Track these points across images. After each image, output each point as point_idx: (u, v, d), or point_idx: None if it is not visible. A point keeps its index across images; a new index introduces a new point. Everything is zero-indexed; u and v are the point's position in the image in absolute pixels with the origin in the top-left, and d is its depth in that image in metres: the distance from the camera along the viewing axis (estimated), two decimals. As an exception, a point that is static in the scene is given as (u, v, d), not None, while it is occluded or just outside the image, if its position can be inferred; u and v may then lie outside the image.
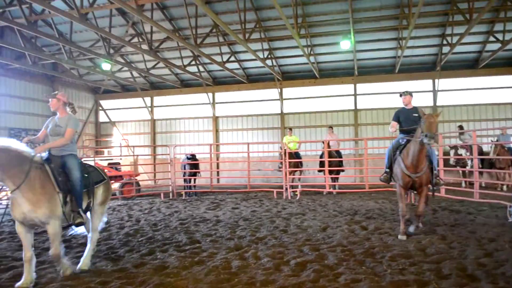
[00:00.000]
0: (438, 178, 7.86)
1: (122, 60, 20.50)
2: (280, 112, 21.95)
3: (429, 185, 7.54)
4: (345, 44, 16.91)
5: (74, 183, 5.56)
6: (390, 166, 7.74)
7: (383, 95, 20.32)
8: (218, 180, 20.99)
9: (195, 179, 16.94)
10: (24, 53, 17.22)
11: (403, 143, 7.50)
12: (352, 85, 20.89)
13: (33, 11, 14.74)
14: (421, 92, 19.33)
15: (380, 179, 8.11)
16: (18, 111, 19.72)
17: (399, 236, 7.06)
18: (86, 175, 5.89)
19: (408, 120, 7.69)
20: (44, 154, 5.63)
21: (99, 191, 6.18)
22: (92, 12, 15.11)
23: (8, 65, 18.41)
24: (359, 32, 17.14)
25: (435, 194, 8.27)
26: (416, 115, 7.45)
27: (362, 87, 20.84)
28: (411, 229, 7.30)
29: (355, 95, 20.85)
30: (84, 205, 5.75)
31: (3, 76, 18.86)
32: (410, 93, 8.01)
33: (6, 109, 19.04)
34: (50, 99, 6.05)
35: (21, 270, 5.61)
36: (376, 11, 16.14)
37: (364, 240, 7.01)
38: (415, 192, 7.85)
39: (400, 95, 8.08)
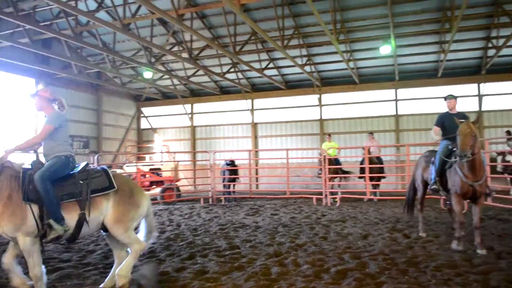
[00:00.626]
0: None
1: (163, 68, 20.96)
2: (319, 118, 21.80)
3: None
4: (385, 49, 16.64)
5: (39, 189, 4.60)
6: (440, 175, 7.25)
7: (425, 100, 19.81)
8: (257, 186, 21.04)
9: (234, 185, 17.05)
10: (70, 62, 17.89)
11: (453, 149, 6.98)
12: (393, 90, 20.50)
13: (79, 22, 15.31)
14: (465, 97, 18.74)
15: (431, 189, 7.69)
16: (65, 118, 20.44)
17: (453, 246, 6.64)
18: (72, 181, 4.89)
19: (453, 126, 7.20)
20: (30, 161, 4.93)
21: (105, 203, 4.93)
22: (134, 22, 15.55)
23: (55, 75, 19.19)
24: (400, 36, 16.82)
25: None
26: (463, 120, 6.99)
27: (403, 92, 20.41)
28: (454, 246, 6.73)
29: (396, 100, 20.45)
30: (71, 218, 4.75)
31: (51, 85, 19.63)
32: (455, 97, 7.67)
33: (54, 117, 19.76)
34: (34, 99, 5.26)
35: (68, 271, 5.81)
36: (417, 15, 15.79)
37: (406, 249, 6.83)
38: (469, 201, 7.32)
39: (445, 99, 7.72)
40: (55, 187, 4.73)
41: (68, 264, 6.31)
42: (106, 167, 5.22)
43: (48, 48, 17.71)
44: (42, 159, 5.11)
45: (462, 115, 7.24)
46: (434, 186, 7.43)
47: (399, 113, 20.37)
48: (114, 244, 5.33)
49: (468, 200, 7.25)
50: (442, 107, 7.88)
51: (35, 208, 4.61)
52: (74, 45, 17.84)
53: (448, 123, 7.45)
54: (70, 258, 6.77)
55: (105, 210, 4.93)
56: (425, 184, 7.89)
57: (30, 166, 4.85)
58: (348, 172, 16.15)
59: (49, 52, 16.48)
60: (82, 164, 5.18)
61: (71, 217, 4.75)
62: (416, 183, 8.25)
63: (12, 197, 4.57)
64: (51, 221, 4.61)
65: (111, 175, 5.08)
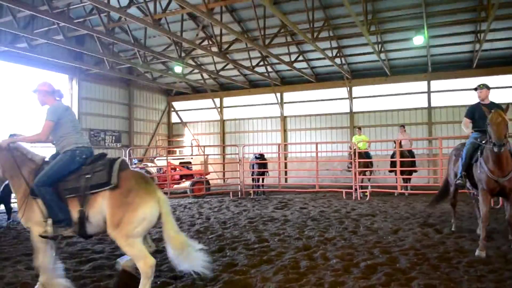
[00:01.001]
0: None
1: (193, 63, 21.13)
2: (349, 111, 21.55)
3: None
4: (418, 39, 16.25)
5: (36, 193, 4.50)
6: (467, 169, 6.94)
7: (460, 92, 19.27)
8: (286, 180, 21.00)
9: (263, 179, 17.07)
10: (103, 58, 18.25)
11: (482, 142, 6.59)
12: (426, 82, 20.04)
13: (111, 19, 15.57)
14: (502, 88, 18.16)
15: (456, 183, 7.45)
16: (98, 113, 20.95)
17: (477, 253, 5.99)
18: (78, 174, 4.61)
19: (484, 117, 6.62)
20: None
21: (100, 202, 4.44)
22: (165, 17, 15.69)
23: (88, 70, 19.63)
24: (433, 26, 16.38)
25: None
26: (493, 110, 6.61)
27: (436, 84, 19.93)
28: (478, 253, 6.02)
29: (428, 92, 19.99)
30: (74, 214, 4.48)
31: (84, 81, 20.13)
32: (487, 87, 7.13)
33: (87, 111, 20.30)
34: (35, 94, 5.20)
35: (100, 262, 5.97)
36: (451, 4, 15.32)
37: (438, 244, 6.70)
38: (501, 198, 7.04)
39: (475, 89, 7.23)
40: (60, 184, 4.57)
41: (101, 255, 6.47)
42: (121, 158, 4.79)
43: (82, 44, 18.12)
44: None
45: (495, 106, 6.75)
46: (459, 181, 7.11)
47: (432, 105, 19.91)
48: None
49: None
50: (477, 99, 7.53)
51: (41, 204, 4.52)
52: (106, 41, 18.18)
53: (478, 115, 6.98)
54: (103, 249, 6.94)
55: (103, 210, 4.41)
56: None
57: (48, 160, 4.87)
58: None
59: (83, 48, 16.87)
60: (96, 155, 4.89)
61: (74, 213, 4.47)
62: (449, 177, 8.05)
63: (26, 189, 4.59)
64: (49, 221, 4.47)
65: (114, 169, 4.48)
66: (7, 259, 6.38)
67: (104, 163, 4.63)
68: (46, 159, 4.89)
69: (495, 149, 5.94)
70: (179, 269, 4.69)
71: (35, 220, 4.55)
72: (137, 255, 4.31)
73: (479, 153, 6.60)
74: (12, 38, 15.66)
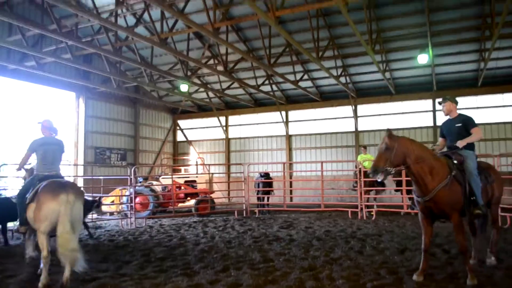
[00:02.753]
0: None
1: (198, 81, 21.28)
2: (354, 129, 21.54)
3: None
4: (423, 58, 16.29)
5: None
6: None
7: (466, 111, 19.07)
8: (291, 199, 20.91)
9: (268, 198, 16.98)
10: (110, 77, 18.43)
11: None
12: (431, 101, 20.04)
13: (118, 38, 15.76)
14: (508, 107, 18.13)
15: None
16: (104, 131, 21.06)
17: (414, 277, 5.74)
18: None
19: (451, 133, 6.37)
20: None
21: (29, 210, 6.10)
22: (171, 36, 15.86)
23: (95, 89, 19.82)
24: (438, 45, 16.45)
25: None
26: (460, 124, 6.22)
27: (441, 103, 19.93)
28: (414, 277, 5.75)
29: (434, 111, 19.96)
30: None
31: (90, 99, 20.29)
32: (451, 99, 6.52)
33: (93, 130, 20.40)
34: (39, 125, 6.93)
35: (104, 281, 5.90)
36: (455, 23, 15.41)
37: (446, 265, 6.60)
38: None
39: (440, 103, 6.63)
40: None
41: (105, 274, 6.42)
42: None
43: (89, 63, 18.34)
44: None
45: (461, 119, 6.36)
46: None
47: (437, 124, 19.85)
48: None
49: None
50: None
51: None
52: (113, 60, 18.39)
53: (446, 131, 6.56)
54: (107, 268, 6.88)
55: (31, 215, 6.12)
56: None
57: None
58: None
59: (90, 67, 17.05)
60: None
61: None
62: None
63: None
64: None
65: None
66: (11, 277, 6.34)
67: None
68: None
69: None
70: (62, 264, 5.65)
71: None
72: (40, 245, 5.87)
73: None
74: (21, 56, 15.88)
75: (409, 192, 14.39)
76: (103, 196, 13.46)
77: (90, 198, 11.80)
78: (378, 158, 5.75)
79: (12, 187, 13.17)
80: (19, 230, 6.50)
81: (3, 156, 15.83)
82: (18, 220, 6.42)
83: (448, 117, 6.60)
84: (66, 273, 5.58)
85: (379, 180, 5.75)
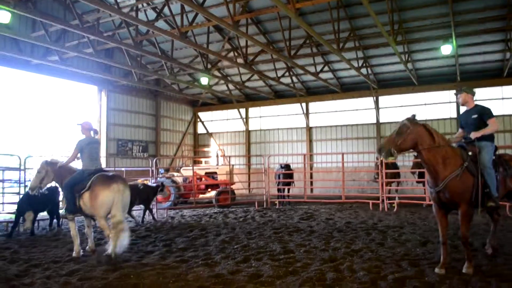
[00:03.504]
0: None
1: (218, 74, 21.34)
2: (375, 121, 21.33)
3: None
4: (446, 49, 16.01)
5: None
6: None
7: (490, 101, 18.81)
8: (311, 190, 20.86)
9: (289, 189, 16.99)
10: (131, 70, 18.64)
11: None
12: (454, 91, 19.65)
13: (139, 32, 15.91)
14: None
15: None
16: (125, 123, 21.34)
17: (436, 270, 5.70)
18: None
19: (467, 124, 6.30)
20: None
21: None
22: (192, 30, 15.93)
23: (117, 82, 20.08)
24: (462, 35, 16.14)
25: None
26: (476, 116, 6.14)
27: (465, 94, 19.55)
28: (436, 269, 5.70)
29: (457, 101, 19.57)
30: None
31: (112, 92, 20.57)
32: (467, 90, 6.49)
33: (115, 122, 20.70)
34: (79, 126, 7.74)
35: (127, 271, 6.01)
36: (479, 13, 15.08)
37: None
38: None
39: (455, 94, 6.66)
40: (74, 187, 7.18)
41: (127, 264, 6.54)
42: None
43: (110, 57, 18.58)
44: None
45: (477, 110, 6.27)
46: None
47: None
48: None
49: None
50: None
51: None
52: (134, 53, 18.56)
53: (464, 122, 6.48)
54: (130, 258, 7.01)
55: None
56: None
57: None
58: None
59: (111, 61, 17.27)
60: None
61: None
62: None
63: None
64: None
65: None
66: (37, 266, 6.52)
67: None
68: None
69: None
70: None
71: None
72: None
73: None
74: (44, 51, 16.18)
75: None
76: (164, 182, 13.99)
77: (154, 184, 13.20)
78: (388, 139, 5.84)
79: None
80: (67, 217, 7.46)
81: (28, 148, 16.20)
82: (65, 208, 7.41)
83: (466, 108, 6.54)
84: (113, 248, 6.57)
85: (381, 158, 5.78)
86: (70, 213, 7.31)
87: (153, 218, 12.32)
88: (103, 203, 6.83)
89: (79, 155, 7.51)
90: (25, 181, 11.47)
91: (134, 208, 12.36)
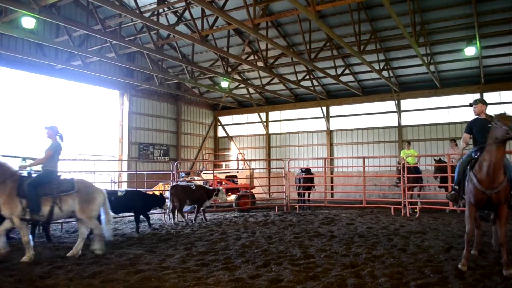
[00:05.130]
0: None
1: (239, 78, 21.41)
2: (397, 124, 21.07)
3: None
4: (470, 50, 15.73)
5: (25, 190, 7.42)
6: (460, 183, 6.74)
7: (516, 105, 18.46)
8: (332, 195, 20.70)
9: (309, 193, 16.89)
10: (152, 74, 18.84)
11: (475, 156, 6.49)
12: (478, 95, 19.28)
13: (160, 36, 16.07)
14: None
15: (447, 197, 7.20)
16: (147, 127, 21.56)
17: (459, 266, 6.03)
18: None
19: (483, 131, 6.63)
20: None
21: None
22: (212, 34, 16.02)
23: (138, 86, 20.32)
24: (486, 36, 15.84)
25: None
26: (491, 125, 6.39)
27: (490, 96, 19.09)
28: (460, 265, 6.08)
29: (474, 111, 19.11)
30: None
31: (134, 96, 20.81)
32: (482, 102, 7.15)
33: (137, 126, 20.93)
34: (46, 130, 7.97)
35: (148, 274, 6.05)
36: (505, 13, 14.76)
37: (494, 264, 6.35)
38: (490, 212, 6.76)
39: (471, 105, 7.23)
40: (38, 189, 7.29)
41: (148, 267, 6.58)
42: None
43: (132, 61, 18.83)
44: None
45: (492, 119, 6.43)
46: (450, 194, 7.05)
47: (485, 118, 19.08)
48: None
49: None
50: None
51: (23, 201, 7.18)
52: (155, 57, 18.76)
53: (476, 129, 6.90)
54: (151, 260, 7.06)
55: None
56: None
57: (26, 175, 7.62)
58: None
59: (133, 65, 17.49)
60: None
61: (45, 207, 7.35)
62: None
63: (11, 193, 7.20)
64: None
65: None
66: (60, 267, 6.61)
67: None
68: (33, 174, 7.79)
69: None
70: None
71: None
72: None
73: (468, 166, 6.48)
74: (68, 56, 16.49)
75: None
76: (222, 186, 14.25)
77: (211, 187, 13.53)
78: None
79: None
80: (17, 224, 7.32)
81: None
82: (30, 210, 7.24)
83: (478, 117, 7.10)
84: (101, 242, 7.68)
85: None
86: (35, 214, 7.23)
87: (204, 218, 12.94)
88: (99, 204, 7.76)
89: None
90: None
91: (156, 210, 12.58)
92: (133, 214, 11.16)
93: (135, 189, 12.61)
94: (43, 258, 7.39)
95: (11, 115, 17.13)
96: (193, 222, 12.42)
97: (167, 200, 12.32)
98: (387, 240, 8.74)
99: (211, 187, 13.75)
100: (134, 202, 11.00)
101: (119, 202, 10.52)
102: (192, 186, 13.00)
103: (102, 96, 20.06)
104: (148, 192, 12.47)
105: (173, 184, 13.25)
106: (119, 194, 10.82)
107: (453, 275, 5.74)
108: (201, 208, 13.04)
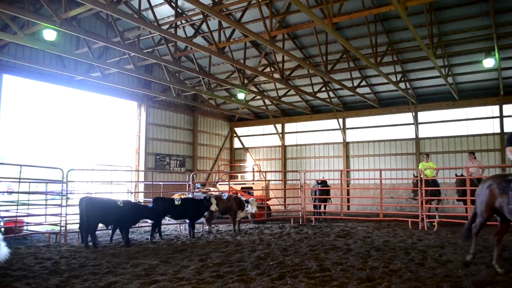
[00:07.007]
0: None
1: (255, 89, 21.48)
2: (414, 136, 20.86)
3: None
4: (489, 62, 15.54)
5: None
6: None
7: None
8: (348, 207, 20.52)
9: (325, 206, 16.78)
10: (169, 86, 19.02)
11: None
12: (497, 106, 19.02)
13: (178, 48, 16.25)
14: None
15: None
16: (163, 138, 21.72)
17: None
18: None
19: None
20: None
21: None
22: (229, 46, 16.14)
23: (156, 97, 20.53)
24: (505, 48, 15.64)
25: None
26: None
27: (510, 108, 18.84)
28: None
29: (501, 117, 18.91)
30: None
31: (151, 107, 21.02)
32: None
33: (154, 137, 21.11)
34: None
35: (163, 284, 6.05)
36: (524, 24, 14.61)
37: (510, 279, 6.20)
38: None
39: (511, 116, 7.27)
40: None
41: (164, 278, 6.59)
42: None
43: (150, 73, 19.07)
44: None
45: None
46: None
47: (505, 130, 18.80)
48: None
49: None
50: None
51: None
52: (173, 69, 18.99)
53: None
54: (166, 271, 7.06)
55: None
56: (492, 212, 7.13)
57: None
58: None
59: (151, 76, 17.70)
60: None
61: None
62: (478, 210, 7.42)
63: None
64: None
65: None
66: (76, 277, 6.66)
67: None
68: None
69: None
70: None
71: None
72: None
73: None
74: (87, 68, 16.78)
75: (473, 202, 13.64)
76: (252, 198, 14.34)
77: (244, 198, 13.70)
78: None
79: (78, 191, 13.88)
80: None
81: (71, 162, 16.71)
82: None
83: None
84: None
85: None
86: None
87: (238, 229, 13.17)
88: None
89: None
90: (67, 193, 11.82)
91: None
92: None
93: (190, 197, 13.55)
94: (60, 267, 7.45)
95: (31, 126, 17.45)
96: (237, 231, 12.92)
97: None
98: (404, 254, 8.61)
99: (244, 198, 13.80)
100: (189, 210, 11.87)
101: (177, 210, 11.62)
102: (223, 197, 13.16)
103: (120, 107, 20.32)
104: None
105: (206, 194, 13.45)
106: (176, 202, 11.68)
107: (473, 291, 5.62)
108: (237, 219, 13.22)
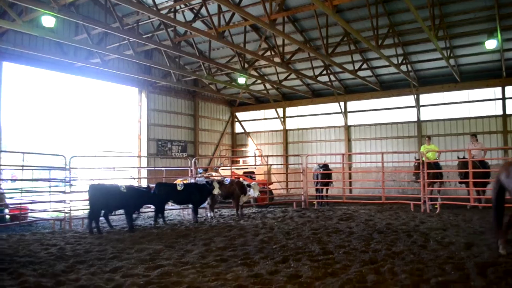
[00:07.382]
0: None
1: (256, 74, 21.38)
2: (416, 119, 20.82)
3: None
4: (491, 43, 15.43)
5: None
6: None
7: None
8: (350, 191, 20.58)
9: (327, 189, 16.82)
10: (170, 71, 18.95)
11: None
12: (500, 88, 18.93)
13: (177, 33, 16.14)
14: None
15: None
16: (165, 124, 21.71)
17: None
18: None
19: None
20: None
21: None
22: (228, 30, 16.04)
23: (156, 83, 20.47)
24: (507, 29, 15.51)
25: None
26: None
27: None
28: None
29: (503, 98, 18.85)
30: None
31: (152, 93, 20.97)
32: None
33: (155, 123, 21.09)
34: None
35: (168, 269, 6.11)
36: (527, 4, 14.46)
37: (518, 261, 6.24)
38: None
39: None
40: None
41: (168, 262, 6.65)
42: None
43: (150, 58, 18.96)
44: None
45: None
46: None
47: (507, 112, 18.74)
48: None
49: None
50: None
51: None
52: (173, 54, 18.87)
53: None
54: (170, 256, 7.12)
55: None
56: None
57: None
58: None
59: (151, 62, 17.62)
60: None
61: None
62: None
63: None
64: None
65: None
66: (82, 262, 6.72)
67: None
68: None
69: None
70: None
71: None
72: None
73: None
74: (87, 54, 16.67)
75: (475, 184, 13.70)
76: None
77: (246, 182, 13.75)
78: None
79: (81, 178, 13.92)
80: None
81: (73, 148, 16.71)
82: None
83: None
84: None
85: None
86: None
87: (241, 214, 13.14)
88: None
89: None
90: (70, 180, 11.86)
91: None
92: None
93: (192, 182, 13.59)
94: (66, 253, 7.51)
95: (32, 113, 17.44)
96: (240, 215, 12.95)
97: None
98: (406, 236, 8.65)
99: (246, 182, 13.86)
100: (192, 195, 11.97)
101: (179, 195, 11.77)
102: (225, 181, 13.18)
103: (120, 93, 20.25)
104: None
105: (209, 179, 13.48)
106: (179, 188, 11.79)
107: (475, 272, 5.66)
108: (239, 204, 13.29)
